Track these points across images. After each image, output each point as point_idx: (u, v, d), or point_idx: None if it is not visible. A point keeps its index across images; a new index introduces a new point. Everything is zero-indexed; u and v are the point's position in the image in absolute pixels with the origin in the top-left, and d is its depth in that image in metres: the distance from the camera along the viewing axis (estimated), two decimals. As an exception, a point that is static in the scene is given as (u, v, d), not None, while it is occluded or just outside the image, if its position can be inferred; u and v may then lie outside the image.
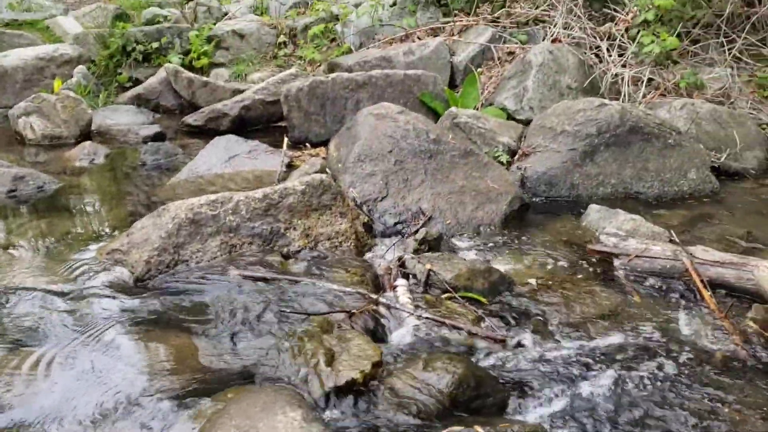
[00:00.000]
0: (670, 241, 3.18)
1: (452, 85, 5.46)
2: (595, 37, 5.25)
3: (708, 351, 2.48)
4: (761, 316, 2.59)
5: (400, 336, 2.45)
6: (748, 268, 2.73)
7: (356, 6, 6.46)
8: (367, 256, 3.13)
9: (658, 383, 2.29)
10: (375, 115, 3.99)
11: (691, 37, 5.19)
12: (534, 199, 3.98)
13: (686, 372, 2.35)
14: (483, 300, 2.74)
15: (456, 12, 5.96)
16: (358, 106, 4.62)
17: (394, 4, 6.23)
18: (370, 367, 2.06)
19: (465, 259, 3.03)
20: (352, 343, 2.17)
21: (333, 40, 6.46)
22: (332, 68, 5.72)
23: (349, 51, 6.05)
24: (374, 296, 2.55)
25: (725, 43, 5.18)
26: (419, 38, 5.85)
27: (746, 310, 2.69)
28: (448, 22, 5.87)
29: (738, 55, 5.12)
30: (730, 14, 5.30)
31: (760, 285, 2.62)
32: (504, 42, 5.50)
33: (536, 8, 5.65)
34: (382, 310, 2.54)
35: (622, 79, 4.90)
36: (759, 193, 4.01)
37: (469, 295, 2.74)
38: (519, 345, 2.45)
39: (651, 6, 4.94)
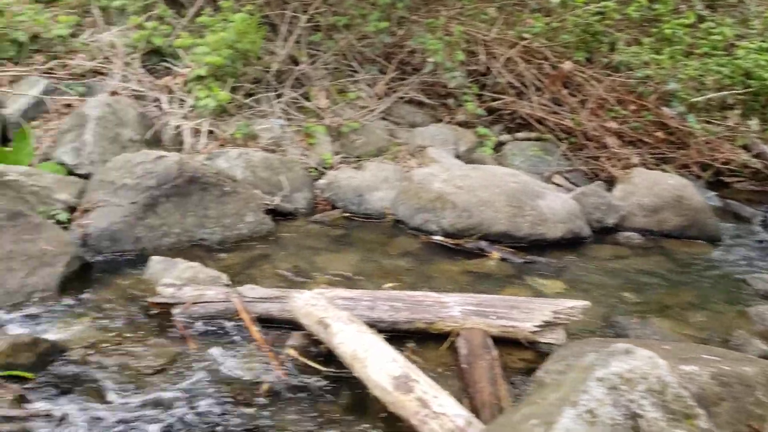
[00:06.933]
0: (226, 284, 3.41)
1: (5, 140, 4.98)
2: (154, 90, 5.36)
3: (257, 383, 2.73)
4: (299, 343, 2.95)
5: None
6: (287, 300, 3.09)
7: None
8: None
9: (209, 422, 2.43)
10: None
11: (244, 91, 5.67)
12: (98, 257, 3.86)
13: (235, 407, 2.54)
14: (28, 375, 2.55)
15: (4, 61, 5.47)
16: None
17: (-75, 51, 5.44)
18: None
19: (7, 334, 2.78)
20: None
21: None
22: None
23: None
24: None
25: (274, 97, 5.80)
26: (-40, 89, 5.21)
27: (288, 339, 3.03)
28: (-5, 72, 5.36)
29: (285, 107, 5.77)
30: (277, 71, 5.96)
31: (295, 314, 2.98)
32: (61, 94, 5.24)
33: (93, 60, 5.52)
34: None
35: (184, 130, 5.10)
36: (306, 230, 4.57)
37: (11, 372, 2.53)
38: (66, 415, 2.35)
39: (203, 63, 5.26)
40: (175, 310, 3.14)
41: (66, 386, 2.56)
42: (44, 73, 5.39)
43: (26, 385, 2.50)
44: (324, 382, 2.76)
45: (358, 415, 2.57)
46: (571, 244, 4.60)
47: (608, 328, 3.42)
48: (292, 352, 2.88)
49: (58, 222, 3.96)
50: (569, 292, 3.83)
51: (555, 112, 6.33)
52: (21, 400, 2.40)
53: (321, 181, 5.23)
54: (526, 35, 6.43)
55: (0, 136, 4.95)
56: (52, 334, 2.90)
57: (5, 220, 3.52)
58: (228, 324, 3.13)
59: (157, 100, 5.34)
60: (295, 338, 2.98)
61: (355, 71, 6.47)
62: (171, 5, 6.05)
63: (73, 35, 5.77)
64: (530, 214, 4.53)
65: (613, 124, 6.16)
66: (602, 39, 6.49)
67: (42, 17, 5.63)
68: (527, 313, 3.08)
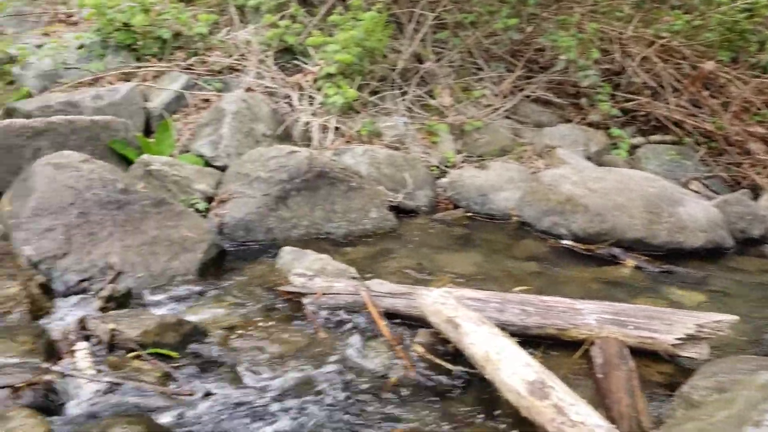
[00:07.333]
0: (353, 277, 3.45)
1: (148, 132, 5.30)
2: (286, 87, 5.53)
3: (383, 376, 2.74)
4: (426, 340, 2.93)
5: (78, 405, 2.29)
6: (415, 296, 3.08)
7: (38, 47, 5.95)
8: (44, 320, 2.87)
9: (339, 411, 2.46)
10: (54, 165, 3.71)
11: (370, 88, 5.74)
12: (232, 245, 4.02)
13: (363, 398, 2.56)
14: (173, 354, 2.69)
15: (148, 57, 5.83)
16: (37, 155, 4.22)
17: (81, 46, 5.88)
18: (35, 445, 1.89)
19: (155, 314, 2.94)
20: (13, 422, 1.97)
21: (11, 83, 5.86)
22: (9, 114, 5.17)
23: (29, 95, 5.54)
24: (46, 365, 2.34)
25: (399, 95, 5.83)
26: (110, 83, 5.59)
27: (415, 336, 3.01)
28: (140, 68, 5.71)
29: (410, 105, 5.79)
30: (402, 69, 5.98)
31: (423, 311, 2.97)
32: (199, 89, 5.51)
33: (229, 57, 5.78)
34: (56, 379, 2.35)
35: (312, 126, 5.23)
36: (428, 228, 4.56)
37: (158, 350, 2.67)
38: (208, 394, 2.45)
39: (333, 61, 5.37)
40: (305, 300, 3.21)
41: (206, 366, 2.67)
42: (185, 69, 5.69)
43: (172, 363, 2.63)
44: (451, 381, 2.72)
45: (485, 417, 2.52)
46: (710, 254, 4.32)
47: (756, 345, 3.17)
48: (420, 349, 2.86)
49: (198, 210, 4.16)
50: (711, 304, 3.58)
51: (693, 115, 5.99)
52: (167, 377, 2.52)
53: (443, 180, 5.21)
54: (664, 33, 6.12)
55: (144, 128, 5.26)
56: (195, 315, 3.04)
57: (151, 207, 3.74)
58: (355, 316, 3.16)
59: (288, 96, 5.51)
60: (422, 335, 2.96)
61: (481, 69, 6.40)
62: (303, 4, 6.22)
63: (211, 33, 6.06)
64: (668, 221, 4.29)
65: (758, 129, 5.74)
66: (750, 38, 6.05)
67: (183, 16, 5.94)
68: (668, 324, 2.90)
